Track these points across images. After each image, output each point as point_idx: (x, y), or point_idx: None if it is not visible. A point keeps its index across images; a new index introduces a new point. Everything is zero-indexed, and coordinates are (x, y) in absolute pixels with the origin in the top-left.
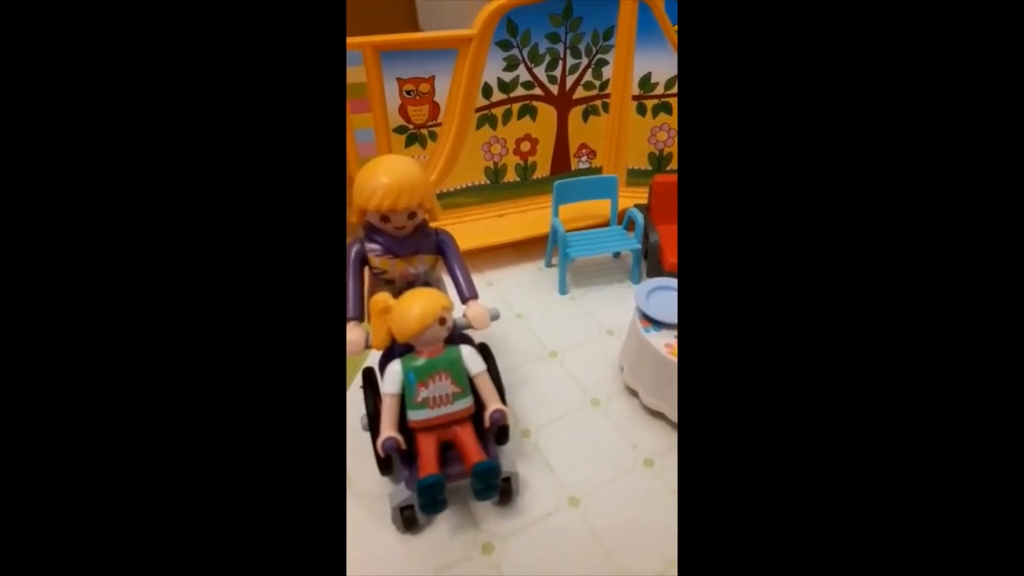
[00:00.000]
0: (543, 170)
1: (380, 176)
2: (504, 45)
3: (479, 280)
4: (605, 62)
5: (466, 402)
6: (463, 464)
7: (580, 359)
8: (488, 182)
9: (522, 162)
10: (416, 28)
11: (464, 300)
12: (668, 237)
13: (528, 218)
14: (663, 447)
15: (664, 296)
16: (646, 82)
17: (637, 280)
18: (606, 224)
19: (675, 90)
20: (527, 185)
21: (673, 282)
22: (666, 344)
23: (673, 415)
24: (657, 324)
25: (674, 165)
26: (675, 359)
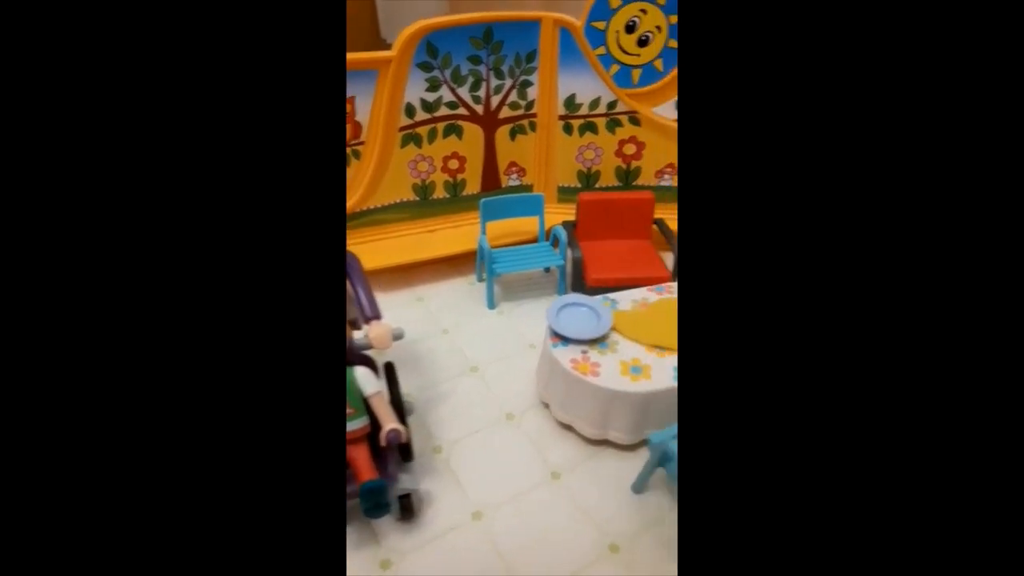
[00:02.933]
0: (473, 187)
1: None
2: (425, 67)
3: (408, 295)
4: (529, 83)
5: (360, 423)
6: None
7: (500, 373)
8: (417, 198)
9: (451, 179)
10: (378, 37)
11: (367, 320)
12: (591, 253)
13: (460, 233)
14: (571, 461)
15: (574, 312)
16: (571, 103)
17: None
18: (535, 240)
19: (600, 111)
20: (457, 201)
21: (585, 298)
22: (571, 359)
23: (582, 429)
24: (565, 340)
25: (602, 183)
26: (580, 374)
